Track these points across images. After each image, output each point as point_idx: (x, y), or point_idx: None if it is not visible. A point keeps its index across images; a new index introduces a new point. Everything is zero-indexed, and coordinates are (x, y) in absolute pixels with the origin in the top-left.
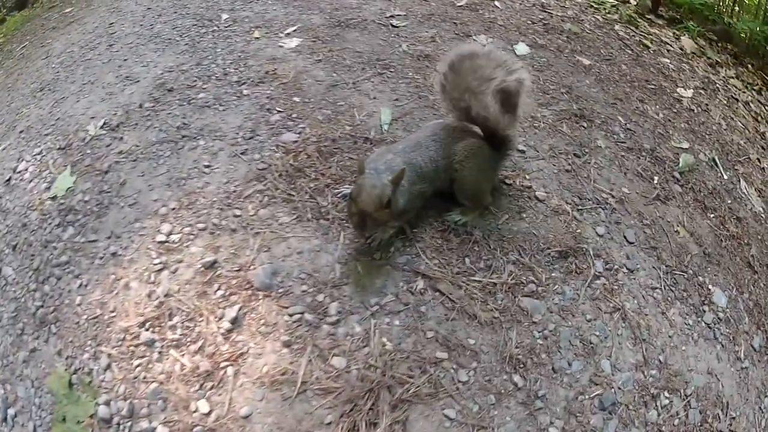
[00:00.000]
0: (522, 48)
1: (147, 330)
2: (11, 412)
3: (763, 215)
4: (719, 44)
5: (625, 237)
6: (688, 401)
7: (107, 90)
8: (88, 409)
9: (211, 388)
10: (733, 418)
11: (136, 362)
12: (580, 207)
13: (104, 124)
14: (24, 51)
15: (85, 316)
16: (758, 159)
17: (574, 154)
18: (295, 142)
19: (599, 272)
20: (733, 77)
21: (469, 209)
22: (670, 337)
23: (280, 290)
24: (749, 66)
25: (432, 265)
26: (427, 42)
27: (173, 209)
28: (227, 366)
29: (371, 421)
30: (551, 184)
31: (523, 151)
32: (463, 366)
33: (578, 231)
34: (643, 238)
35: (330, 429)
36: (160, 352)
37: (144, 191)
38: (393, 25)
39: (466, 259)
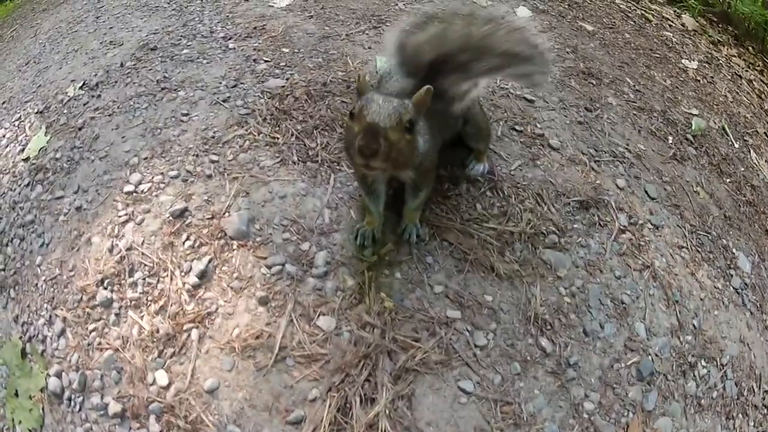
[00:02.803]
0: (523, 11)
1: (105, 288)
2: None
3: None
4: (719, 25)
5: (646, 192)
6: (725, 372)
7: (90, 55)
8: (39, 382)
9: (172, 355)
10: (766, 391)
11: (91, 326)
12: (597, 159)
13: (83, 84)
14: (13, 33)
15: (44, 278)
16: (765, 133)
17: (585, 108)
18: (282, 87)
19: (624, 226)
20: (735, 56)
21: (481, 153)
22: (701, 300)
23: (258, 239)
24: (750, 48)
25: (438, 211)
26: (425, 1)
27: (145, 159)
28: (191, 328)
29: (368, 396)
30: (564, 134)
31: (531, 101)
32: (479, 327)
33: (597, 182)
34: (664, 195)
35: (315, 406)
36: (117, 314)
37: (117, 143)
38: None
39: (478, 205)
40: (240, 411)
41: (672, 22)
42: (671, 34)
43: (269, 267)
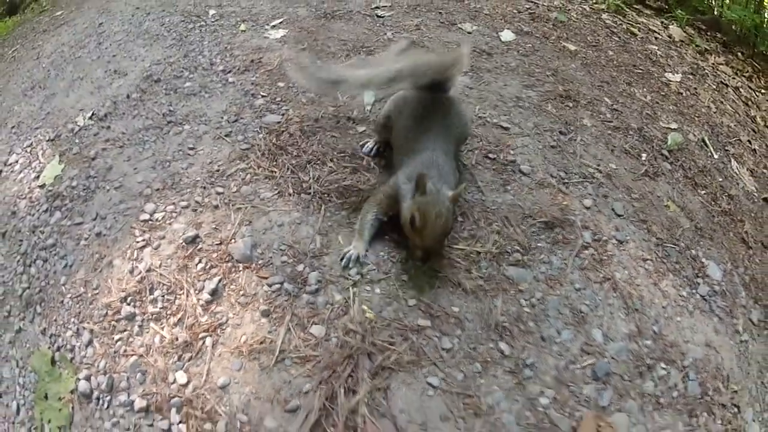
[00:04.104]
0: (507, 35)
1: (128, 304)
2: None
3: (755, 194)
4: (708, 33)
5: (613, 209)
6: (686, 373)
7: (96, 84)
8: (68, 385)
9: (190, 359)
10: (735, 391)
11: (117, 337)
12: (566, 181)
13: (92, 114)
14: (15, 54)
15: (69, 295)
16: (749, 141)
17: (560, 132)
18: (278, 123)
19: (587, 243)
20: (722, 64)
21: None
22: (663, 308)
23: (260, 262)
24: (739, 54)
25: None
26: (413, 30)
27: (157, 190)
28: (206, 337)
29: (350, 388)
30: (536, 159)
31: (506, 128)
32: (446, 333)
33: (565, 203)
34: (632, 211)
35: (308, 397)
36: (140, 326)
37: (129, 174)
38: (378, 16)
39: None
40: (247, 402)
41: (659, 34)
42: (656, 47)
43: (270, 285)
